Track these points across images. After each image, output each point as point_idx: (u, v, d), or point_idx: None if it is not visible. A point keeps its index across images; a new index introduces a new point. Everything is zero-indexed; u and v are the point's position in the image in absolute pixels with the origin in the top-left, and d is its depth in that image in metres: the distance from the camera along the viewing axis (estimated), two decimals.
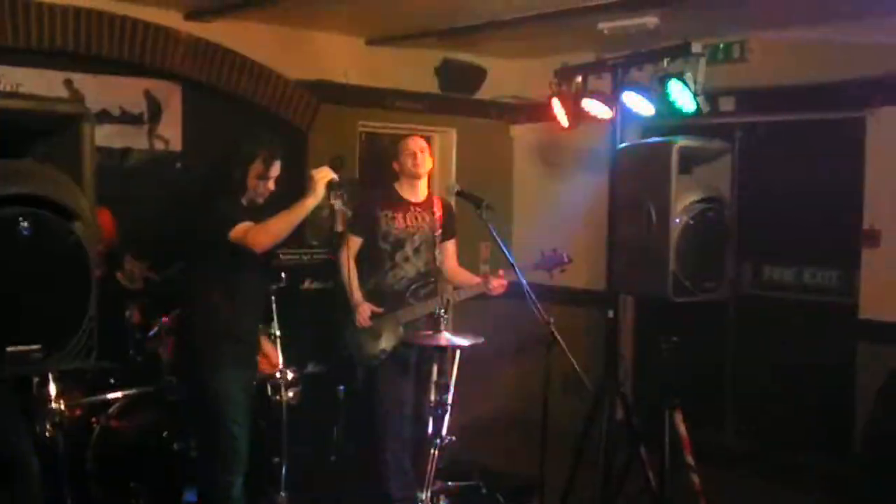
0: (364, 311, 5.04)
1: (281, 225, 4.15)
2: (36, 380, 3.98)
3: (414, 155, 5.14)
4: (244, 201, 4.34)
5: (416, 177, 5.19)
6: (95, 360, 2.93)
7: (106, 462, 4.63)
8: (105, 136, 5.79)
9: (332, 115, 6.73)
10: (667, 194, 4.25)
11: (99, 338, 2.88)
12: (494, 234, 4.71)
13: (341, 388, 3.84)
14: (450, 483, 4.77)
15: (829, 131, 6.14)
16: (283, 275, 5.15)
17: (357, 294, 5.07)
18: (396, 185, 5.24)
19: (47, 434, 4.04)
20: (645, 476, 4.40)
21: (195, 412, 4.55)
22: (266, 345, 4.84)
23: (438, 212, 5.26)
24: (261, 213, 4.26)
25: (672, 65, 4.19)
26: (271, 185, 4.33)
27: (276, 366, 4.84)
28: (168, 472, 4.71)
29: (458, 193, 5.04)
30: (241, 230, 4.15)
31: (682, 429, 4.42)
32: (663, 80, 4.20)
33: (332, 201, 4.09)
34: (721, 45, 6.26)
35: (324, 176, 4.08)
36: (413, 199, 5.21)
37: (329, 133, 6.63)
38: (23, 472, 3.49)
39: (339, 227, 4.43)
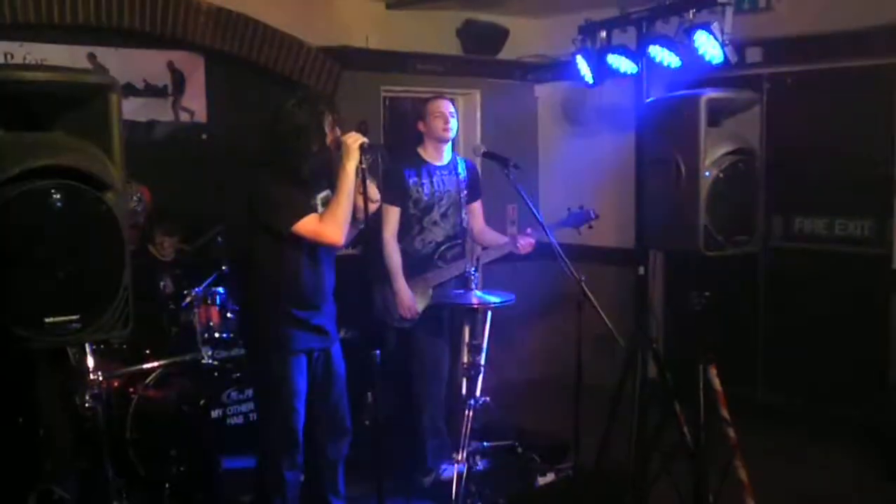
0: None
1: (343, 206, 3.97)
2: (74, 352, 4.02)
3: (444, 117, 5.10)
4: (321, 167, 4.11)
5: (444, 140, 5.14)
6: (131, 330, 2.95)
7: (144, 431, 4.71)
8: (130, 109, 5.80)
9: (355, 81, 6.71)
10: (696, 147, 4.18)
11: (134, 309, 2.90)
12: (522, 193, 4.68)
13: (377, 352, 3.81)
14: (485, 443, 4.79)
15: (858, 80, 6.03)
16: None
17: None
18: (420, 150, 5.19)
19: (87, 405, 4.11)
20: (680, 432, 4.39)
21: (256, 388, 4.55)
22: None
23: (463, 173, 5.23)
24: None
25: (698, 16, 4.14)
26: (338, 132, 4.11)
27: None
28: (205, 440, 4.78)
29: (485, 154, 5.01)
30: (309, 227, 3.97)
31: (716, 383, 4.40)
32: (690, 32, 4.15)
33: (365, 165, 4.03)
34: None
35: (355, 139, 3.99)
36: (438, 163, 5.19)
37: (352, 99, 6.60)
38: (55, 447, 3.51)
39: (375, 196, 4.30)
